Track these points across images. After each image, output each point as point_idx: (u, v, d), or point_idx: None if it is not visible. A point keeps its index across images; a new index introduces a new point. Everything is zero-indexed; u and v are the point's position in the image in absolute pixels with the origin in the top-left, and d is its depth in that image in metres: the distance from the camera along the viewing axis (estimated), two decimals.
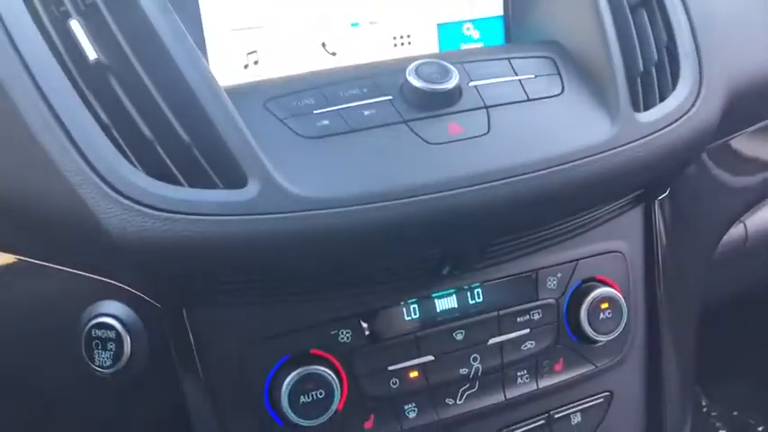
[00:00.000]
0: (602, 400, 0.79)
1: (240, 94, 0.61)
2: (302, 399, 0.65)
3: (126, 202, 0.56)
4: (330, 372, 0.66)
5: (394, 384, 0.70)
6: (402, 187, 0.60)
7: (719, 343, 1.68)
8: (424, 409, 0.71)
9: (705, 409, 1.99)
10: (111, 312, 0.64)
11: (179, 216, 0.56)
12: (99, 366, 0.64)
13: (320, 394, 0.66)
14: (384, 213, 0.59)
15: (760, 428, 1.97)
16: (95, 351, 0.64)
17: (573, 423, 0.78)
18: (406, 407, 0.71)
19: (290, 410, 0.65)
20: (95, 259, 0.63)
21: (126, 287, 0.64)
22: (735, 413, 1.98)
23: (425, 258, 0.68)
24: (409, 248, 0.65)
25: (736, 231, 0.94)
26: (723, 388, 1.99)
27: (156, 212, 0.56)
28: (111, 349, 0.64)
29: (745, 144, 0.93)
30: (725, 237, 0.93)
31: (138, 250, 0.56)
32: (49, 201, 0.58)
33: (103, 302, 0.65)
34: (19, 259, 0.67)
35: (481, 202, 0.61)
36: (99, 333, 0.64)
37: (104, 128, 0.57)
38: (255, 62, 0.71)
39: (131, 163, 0.57)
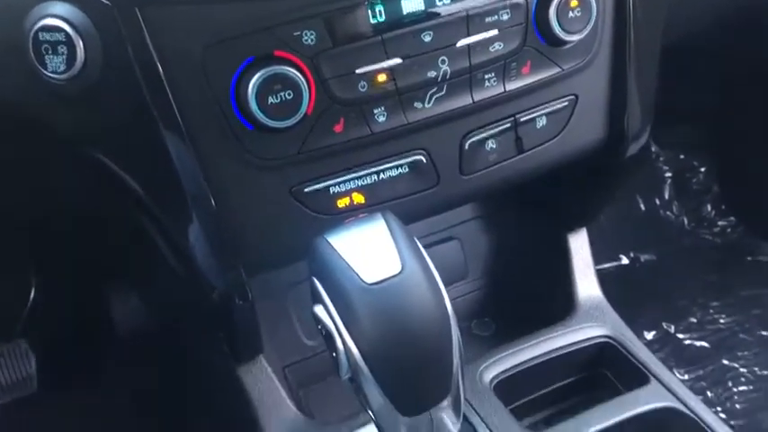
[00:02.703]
0: (567, 103, 0.80)
1: None
2: (270, 99, 0.64)
3: None
4: (297, 72, 0.65)
5: (362, 88, 0.69)
6: None
7: (670, 87, 1.71)
8: (393, 113, 0.71)
9: (654, 155, 2.09)
10: (58, 14, 0.60)
11: None
12: (53, 73, 0.61)
13: (288, 95, 0.65)
14: None
15: (702, 169, 2.08)
16: (46, 57, 0.61)
17: (538, 126, 0.79)
18: (375, 110, 0.71)
19: (258, 111, 0.64)
20: None
21: None
22: (681, 156, 2.08)
23: None
24: None
25: None
26: (671, 133, 2.07)
27: None
28: (62, 53, 0.61)
29: None
30: None
31: None
32: None
33: (47, 3, 0.60)
34: None
35: None
36: (47, 36, 0.60)
37: None
38: None
39: None
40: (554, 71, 0.77)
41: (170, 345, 1.33)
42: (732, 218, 2.03)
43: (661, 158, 2.08)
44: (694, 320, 1.80)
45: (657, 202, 2.04)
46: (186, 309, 0.94)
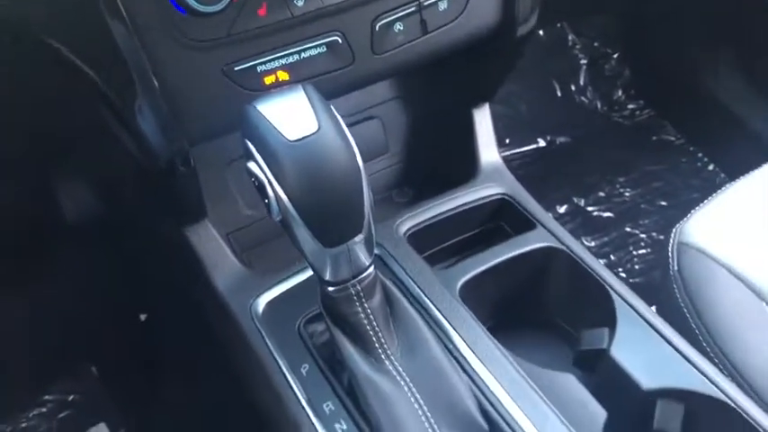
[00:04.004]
0: None
1: None
2: None
3: None
4: None
5: None
6: None
7: None
8: None
9: (571, 43, 2.21)
10: None
11: None
12: None
13: None
14: None
15: (615, 55, 2.22)
16: None
17: (440, 9, 0.90)
18: None
19: None
20: None
21: None
22: (596, 44, 2.21)
23: None
24: None
25: None
26: (587, 22, 2.19)
27: None
28: None
29: None
30: None
31: None
32: None
33: None
34: None
35: None
36: None
37: None
38: None
39: None
40: None
41: (120, 226, 1.43)
42: (641, 101, 2.19)
43: (577, 47, 2.20)
44: (602, 194, 1.99)
45: (573, 88, 2.18)
46: (135, 184, 1.04)
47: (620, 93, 2.20)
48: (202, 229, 0.95)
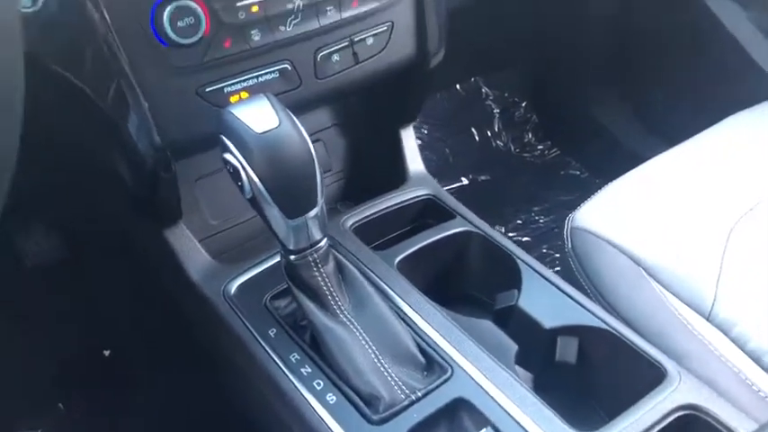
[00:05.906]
0: (386, 27, 1.13)
1: None
2: (179, 23, 0.94)
3: None
4: (196, 5, 0.95)
5: (242, 15, 0.98)
6: None
7: (495, 41, 2.10)
8: (265, 33, 1.01)
9: (484, 95, 2.51)
10: None
11: None
12: (22, 7, 0.88)
13: (191, 20, 0.95)
14: None
15: (523, 104, 2.52)
16: None
17: (368, 44, 1.12)
18: (251, 32, 1.00)
19: (171, 32, 0.94)
20: None
21: None
22: (506, 95, 2.51)
23: None
24: None
25: None
26: (498, 77, 2.48)
27: None
28: None
29: None
30: None
31: None
32: None
33: None
34: None
35: None
36: None
37: None
38: None
39: None
40: (375, 4, 1.10)
41: (81, 266, 1.54)
42: (548, 142, 2.48)
43: (490, 98, 2.49)
44: (519, 222, 2.23)
45: (489, 133, 2.46)
46: (116, 200, 1.20)
47: (529, 135, 2.49)
48: (178, 230, 1.12)
